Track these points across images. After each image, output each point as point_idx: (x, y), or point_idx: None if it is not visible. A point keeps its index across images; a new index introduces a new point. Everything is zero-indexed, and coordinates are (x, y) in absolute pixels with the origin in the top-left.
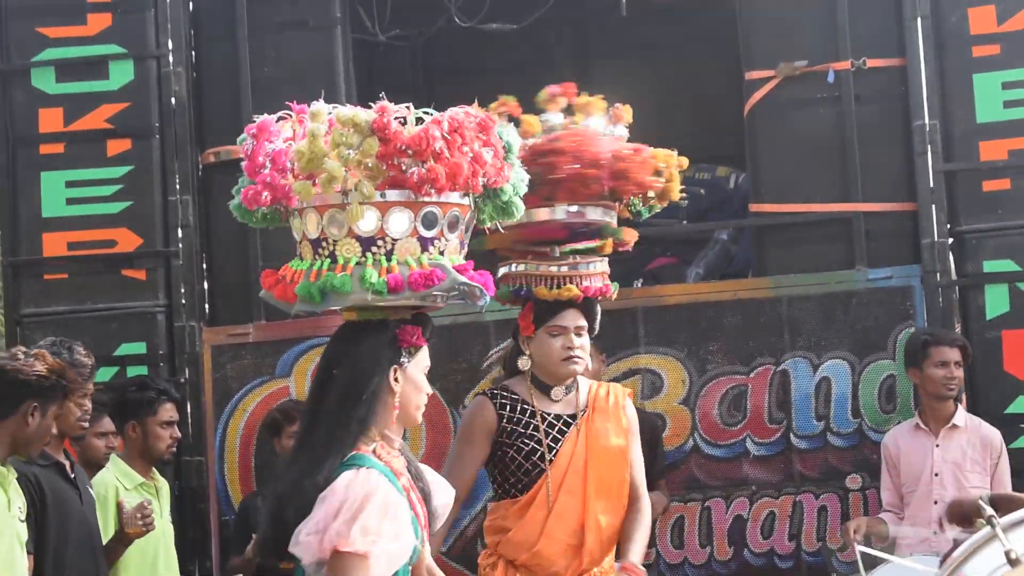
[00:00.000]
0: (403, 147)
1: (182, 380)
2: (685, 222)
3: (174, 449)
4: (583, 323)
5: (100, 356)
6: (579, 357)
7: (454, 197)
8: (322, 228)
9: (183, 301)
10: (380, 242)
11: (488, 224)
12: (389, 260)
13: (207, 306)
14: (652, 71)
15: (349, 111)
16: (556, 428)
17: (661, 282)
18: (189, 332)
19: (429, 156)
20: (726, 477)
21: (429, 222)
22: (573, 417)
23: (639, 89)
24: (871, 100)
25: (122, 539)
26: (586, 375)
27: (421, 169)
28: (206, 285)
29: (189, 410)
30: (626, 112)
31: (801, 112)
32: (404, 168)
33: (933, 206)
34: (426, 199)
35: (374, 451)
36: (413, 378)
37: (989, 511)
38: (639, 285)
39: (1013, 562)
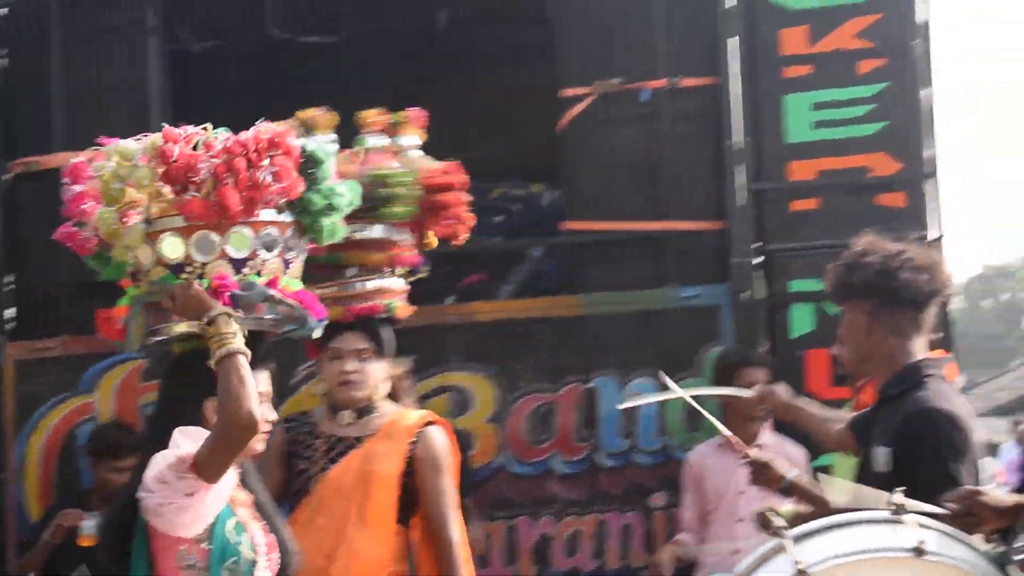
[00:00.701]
0: (184, 172)
1: None
2: (499, 238)
3: None
4: (363, 345)
5: None
6: (355, 381)
7: (268, 215)
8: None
9: None
10: (189, 268)
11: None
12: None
13: (12, 320)
14: (469, 85)
15: (126, 144)
16: (336, 450)
17: (472, 299)
18: None
19: (209, 181)
20: (532, 496)
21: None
22: (359, 440)
23: (456, 103)
24: (685, 118)
25: None
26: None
27: (196, 195)
28: (12, 298)
29: None
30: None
31: (615, 130)
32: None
33: (742, 225)
34: (236, 220)
35: None
36: None
37: (778, 522)
38: (452, 302)
39: (800, 574)
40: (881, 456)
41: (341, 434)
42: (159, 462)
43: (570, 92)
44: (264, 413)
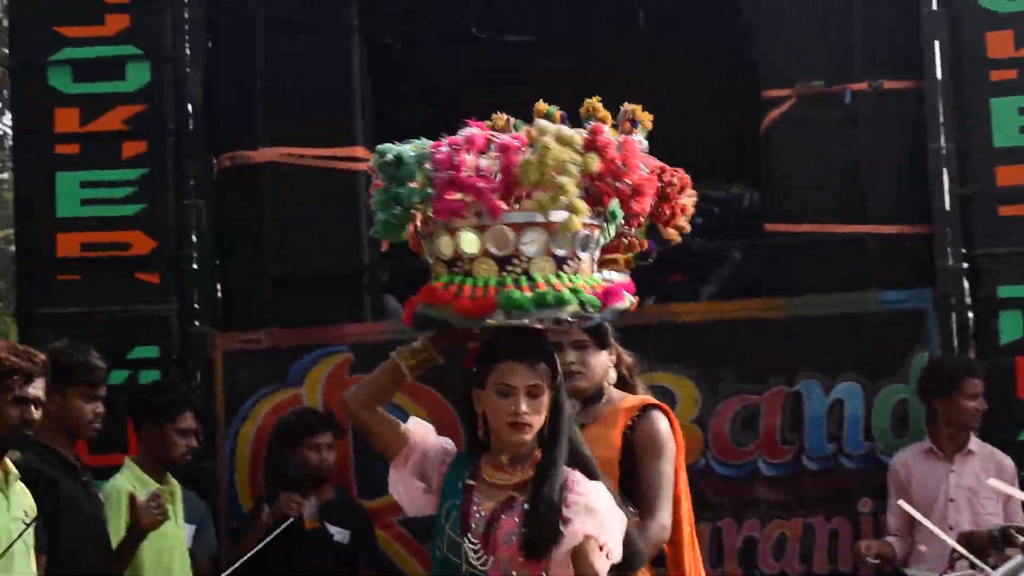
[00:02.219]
0: (617, 164)
1: (194, 385)
2: (699, 240)
3: (189, 457)
4: (582, 337)
5: (112, 359)
6: (577, 372)
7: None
8: (482, 246)
9: (196, 305)
10: (516, 260)
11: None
12: (531, 278)
13: (220, 311)
14: (669, 88)
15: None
16: None
17: (674, 300)
18: (202, 337)
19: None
20: (737, 497)
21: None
22: (583, 427)
23: (655, 105)
24: (887, 121)
25: (136, 533)
26: (638, 388)
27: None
28: (219, 290)
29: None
30: (643, 119)
31: (817, 132)
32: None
33: (948, 230)
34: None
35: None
36: (488, 399)
37: (1022, 538)
38: (652, 302)
39: None
40: None
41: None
42: None
43: (772, 94)
44: (510, 406)
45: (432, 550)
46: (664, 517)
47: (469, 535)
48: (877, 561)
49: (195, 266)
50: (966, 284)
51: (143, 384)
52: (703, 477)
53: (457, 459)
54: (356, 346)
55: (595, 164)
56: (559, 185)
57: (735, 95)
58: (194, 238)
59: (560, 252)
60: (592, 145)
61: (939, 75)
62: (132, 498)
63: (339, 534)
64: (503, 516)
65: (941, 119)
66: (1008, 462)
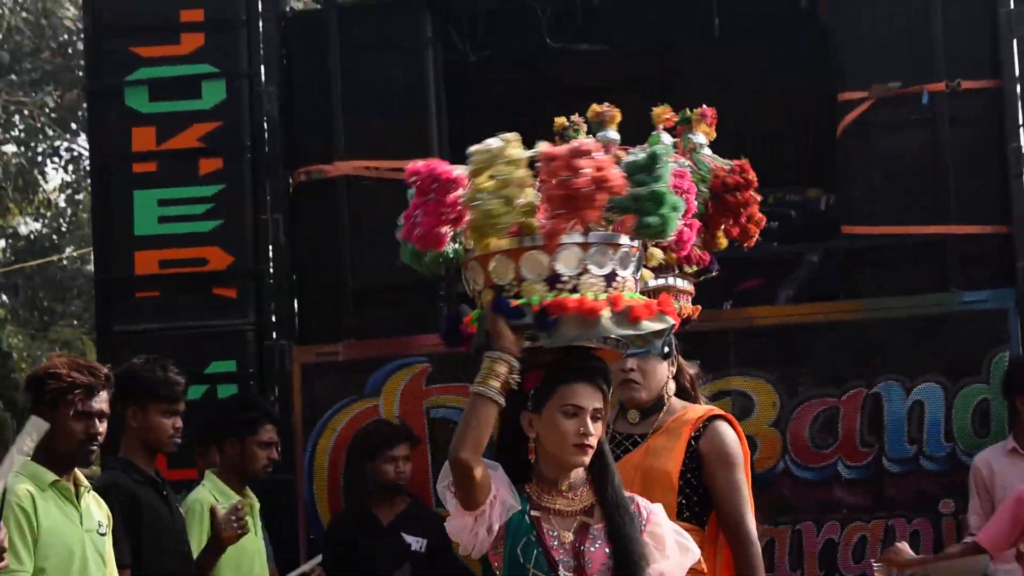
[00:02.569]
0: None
1: (272, 398)
2: (776, 244)
3: (270, 470)
4: None
5: (190, 374)
6: (634, 380)
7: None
8: (515, 272)
9: (273, 319)
10: (563, 279)
11: None
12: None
13: (297, 324)
14: (743, 92)
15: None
16: (623, 447)
17: (751, 304)
18: (279, 350)
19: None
20: (817, 500)
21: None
22: (643, 437)
23: (730, 111)
24: (965, 122)
25: (216, 546)
26: (701, 400)
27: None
28: (296, 303)
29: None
30: (708, 133)
31: (894, 133)
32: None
33: None
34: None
35: (525, 490)
36: (549, 420)
37: None
38: (729, 307)
39: None
40: None
41: (626, 432)
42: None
43: (848, 96)
44: (579, 426)
45: None
46: (750, 528)
47: (561, 570)
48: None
49: (272, 280)
50: None
51: (222, 398)
52: (782, 480)
53: (512, 489)
54: (433, 356)
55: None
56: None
57: (812, 98)
58: (271, 253)
59: (602, 271)
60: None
61: (1017, 74)
62: (212, 511)
63: (415, 543)
64: (588, 547)
65: (1020, 119)
66: None
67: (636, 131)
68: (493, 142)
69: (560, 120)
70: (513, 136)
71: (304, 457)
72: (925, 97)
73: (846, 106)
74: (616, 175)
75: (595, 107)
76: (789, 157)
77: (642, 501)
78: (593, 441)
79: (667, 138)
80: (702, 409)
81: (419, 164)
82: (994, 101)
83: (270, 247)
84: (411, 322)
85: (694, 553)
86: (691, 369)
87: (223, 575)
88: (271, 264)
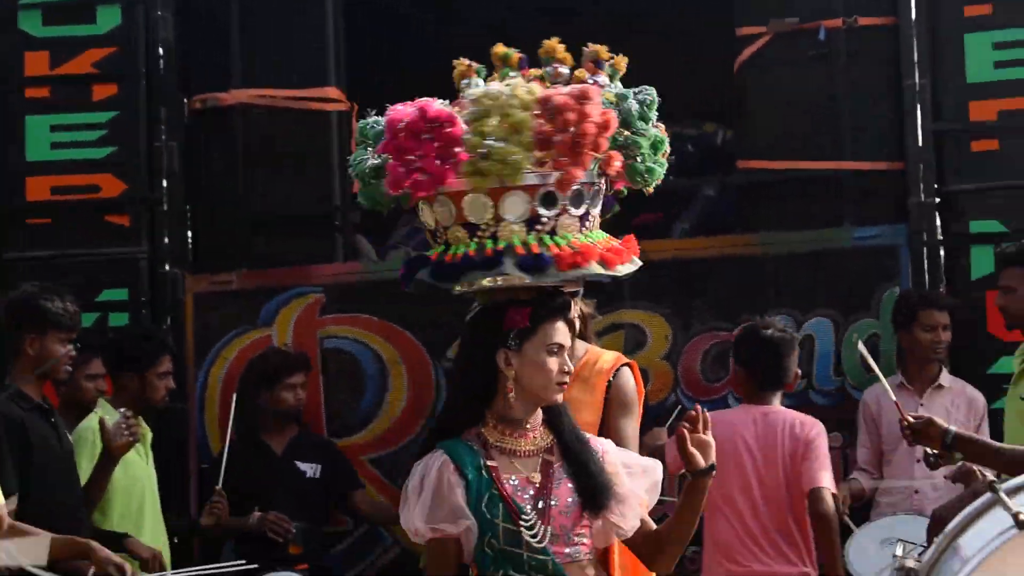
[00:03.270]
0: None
1: (164, 327)
2: (671, 178)
3: (167, 399)
4: (573, 288)
5: (82, 302)
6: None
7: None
8: (494, 211)
9: (167, 248)
10: (542, 221)
11: None
12: (553, 237)
13: (190, 253)
14: (641, 25)
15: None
16: None
17: (646, 237)
18: (172, 279)
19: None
20: None
21: (577, 200)
22: None
23: (627, 43)
24: (861, 59)
25: (108, 459)
26: (591, 338)
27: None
28: (190, 233)
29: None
30: (618, 63)
31: (791, 69)
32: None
33: (921, 165)
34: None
35: (479, 435)
36: (532, 359)
37: (990, 476)
38: None
39: (1022, 524)
40: None
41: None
42: (408, 502)
43: (746, 31)
44: (561, 363)
45: (480, 552)
46: None
47: (523, 519)
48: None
49: (166, 208)
50: (938, 220)
51: (118, 328)
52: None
53: (455, 453)
54: (327, 287)
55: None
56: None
57: (709, 33)
58: (165, 181)
59: (577, 211)
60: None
61: (913, 11)
62: (101, 422)
63: (310, 469)
64: (552, 487)
65: (915, 55)
66: (978, 396)
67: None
68: (497, 86)
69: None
70: (519, 80)
71: (196, 387)
72: (822, 33)
73: (743, 41)
74: (614, 117)
75: (499, 48)
76: (686, 91)
77: (594, 438)
78: (569, 378)
79: (564, 70)
80: (610, 356)
81: (403, 108)
82: (890, 38)
83: (164, 175)
84: (306, 252)
85: (655, 469)
86: (586, 308)
87: (115, 503)
88: (165, 192)
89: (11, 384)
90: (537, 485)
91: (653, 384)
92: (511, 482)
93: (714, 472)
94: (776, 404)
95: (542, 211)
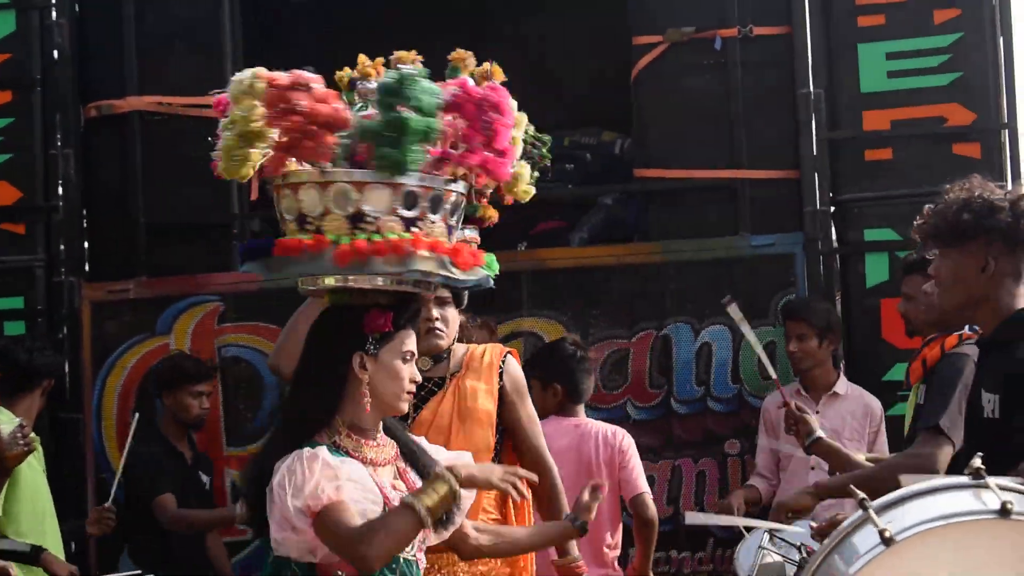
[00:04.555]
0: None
1: (60, 336)
2: (571, 186)
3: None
4: (444, 294)
5: None
6: (440, 330)
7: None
8: (325, 205)
9: (63, 256)
10: (367, 219)
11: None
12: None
13: (87, 261)
14: (540, 34)
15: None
16: (424, 391)
17: (545, 245)
18: (68, 287)
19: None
20: None
21: (409, 202)
22: (443, 380)
23: (524, 51)
24: (757, 67)
25: (2, 469)
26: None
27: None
28: (86, 241)
29: (67, 367)
30: (496, 73)
31: (688, 78)
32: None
33: (816, 174)
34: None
35: (334, 443)
36: (387, 365)
37: (860, 494)
38: (523, 248)
39: (888, 541)
40: (989, 403)
41: (425, 376)
42: (283, 493)
43: (643, 40)
44: (411, 373)
45: None
46: (550, 457)
47: None
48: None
49: (62, 216)
50: (833, 228)
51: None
52: None
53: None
54: (225, 295)
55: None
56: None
57: (607, 41)
58: (61, 188)
59: (408, 213)
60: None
61: (808, 21)
62: None
63: (207, 481)
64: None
65: (810, 65)
66: (875, 403)
67: (435, 70)
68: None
69: (404, 55)
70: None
71: (93, 396)
72: (718, 42)
73: (641, 49)
74: (338, 109)
75: (401, 54)
76: (584, 99)
77: (428, 444)
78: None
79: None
80: (496, 347)
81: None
82: (785, 47)
83: (60, 183)
84: (204, 260)
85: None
86: (462, 316)
87: (23, 511)
88: (61, 200)
89: None
90: (406, 490)
91: None
92: (383, 486)
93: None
94: (583, 416)
95: (366, 208)
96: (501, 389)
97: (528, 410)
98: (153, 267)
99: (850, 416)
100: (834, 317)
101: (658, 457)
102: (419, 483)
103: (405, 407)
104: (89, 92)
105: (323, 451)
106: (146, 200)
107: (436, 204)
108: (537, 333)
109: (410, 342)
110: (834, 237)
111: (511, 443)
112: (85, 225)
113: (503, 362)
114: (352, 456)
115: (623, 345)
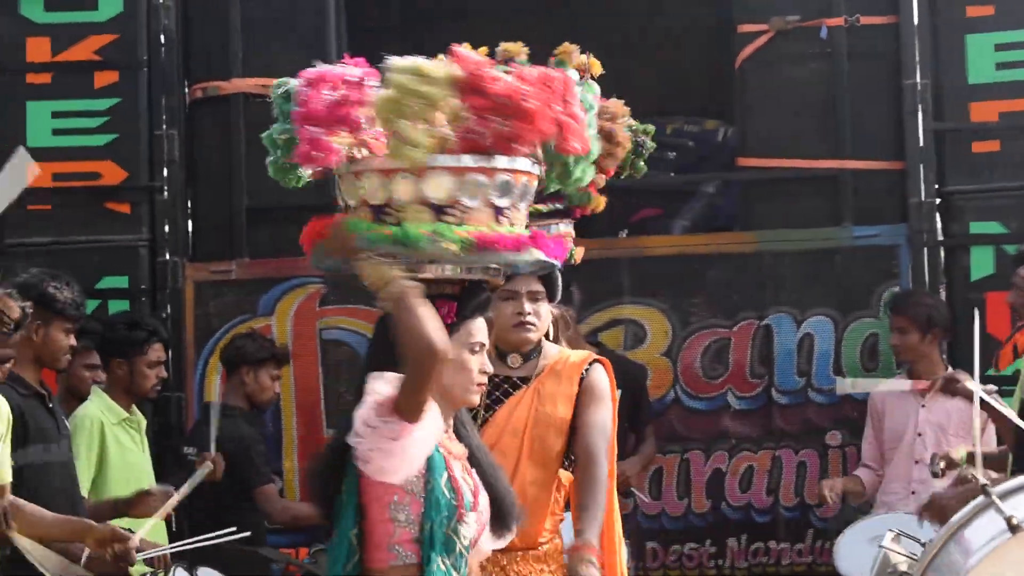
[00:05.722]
0: (497, 101)
1: (163, 315)
2: (672, 174)
3: (159, 388)
4: (538, 288)
5: (81, 289)
6: (531, 324)
7: (524, 164)
8: (389, 193)
9: (167, 236)
10: (451, 210)
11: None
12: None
13: (191, 242)
14: (643, 22)
15: (428, 64)
16: (501, 390)
17: (646, 233)
18: (172, 267)
19: (516, 113)
20: (706, 430)
21: (504, 190)
22: (525, 380)
23: (630, 41)
24: (863, 57)
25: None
26: (561, 342)
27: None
28: (190, 221)
29: (170, 346)
30: (593, 66)
31: (792, 67)
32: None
33: (921, 165)
34: (500, 166)
35: None
36: (456, 357)
37: (983, 480)
38: (624, 236)
39: (1014, 528)
40: None
41: (504, 374)
42: (362, 408)
43: (747, 28)
44: (481, 363)
45: (430, 534)
46: (602, 466)
47: (466, 518)
48: (838, 501)
49: (166, 196)
50: (938, 220)
51: (110, 316)
52: (672, 410)
53: None
54: (327, 278)
55: (451, 103)
56: (396, 128)
57: (711, 30)
58: (165, 169)
59: (501, 203)
60: (466, 82)
61: (915, 11)
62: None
63: None
64: (479, 495)
65: (917, 55)
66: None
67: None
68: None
69: (511, 46)
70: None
71: (195, 376)
72: (824, 31)
73: (745, 38)
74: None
75: (508, 45)
76: (687, 88)
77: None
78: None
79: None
80: (585, 352)
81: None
82: (891, 37)
83: (165, 163)
84: None
85: None
86: (555, 310)
87: (112, 490)
88: (165, 180)
89: (11, 370)
90: (472, 488)
91: (652, 381)
92: (455, 470)
93: None
94: None
95: (464, 199)
96: (578, 395)
97: (597, 415)
98: (255, 248)
99: (956, 411)
100: (939, 311)
101: (758, 447)
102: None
103: (476, 399)
104: (194, 73)
105: None
106: (249, 181)
107: (524, 194)
108: (637, 321)
109: (478, 332)
110: (939, 229)
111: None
112: (189, 206)
113: (587, 369)
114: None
115: (724, 334)
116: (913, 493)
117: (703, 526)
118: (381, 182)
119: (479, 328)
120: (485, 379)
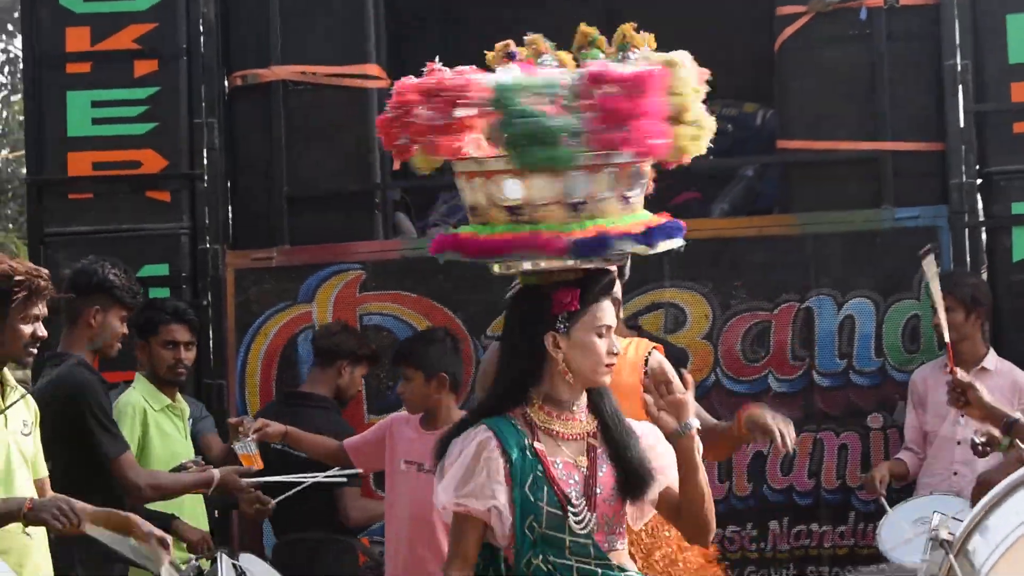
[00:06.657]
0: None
1: (204, 303)
2: (711, 157)
3: (181, 371)
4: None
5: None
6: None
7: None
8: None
9: (207, 224)
10: (584, 206)
11: None
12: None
13: (231, 229)
14: (683, 6)
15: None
16: None
17: (685, 217)
18: (212, 255)
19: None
20: None
21: (634, 180)
22: None
23: (666, 22)
24: (903, 38)
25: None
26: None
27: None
28: (230, 208)
29: (211, 333)
30: (648, 40)
31: (832, 49)
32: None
33: (963, 146)
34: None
35: (525, 415)
36: (580, 342)
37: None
38: None
39: None
40: None
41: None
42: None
43: (786, 11)
44: (609, 345)
45: (520, 534)
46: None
47: (572, 507)
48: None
49: (206, 184)
50: (980, 201)
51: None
52: (713, 393)
53: (500, 431)
54: (367, 264)
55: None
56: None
57: (749, 12)
58: (205, 157)
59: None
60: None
61: None
62: None
63: None
64: (598, 473)
65: (957, 36)
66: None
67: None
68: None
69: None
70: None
71: (236, 362)
72: (863, 13)
73: (784, 20)
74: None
75: (535, 37)
76: (726, 71)
77: (632, 421)
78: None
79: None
80: (641, 343)
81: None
82: (932, 18)
83: (205, 151)
84: (346, 229)
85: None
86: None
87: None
88: (205, 168)
89: (69, 353)
90: (584, 471)
91: (693, 364)
92: (556, 466)
93: (690, 430)
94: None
95: (599, 192)
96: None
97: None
98: (295, 235)
99: (998, 392)
100: (982, 291)
101: (799, 430)
102: (606, 466)
103: (606, 379)
104: (233, 61)
105: (479, 440)
106: (289, 168)
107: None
108: (678, 304)
109: (604, 315)
110: (980, 210)
111: None
112: (229, 193)
113: (647, 358)
114: (539, 429)
115: (765, 317)
116: (955, 474)
117: (744, 509)
118: (515, 183)
119: (605, 310)
120: (615, 360)
